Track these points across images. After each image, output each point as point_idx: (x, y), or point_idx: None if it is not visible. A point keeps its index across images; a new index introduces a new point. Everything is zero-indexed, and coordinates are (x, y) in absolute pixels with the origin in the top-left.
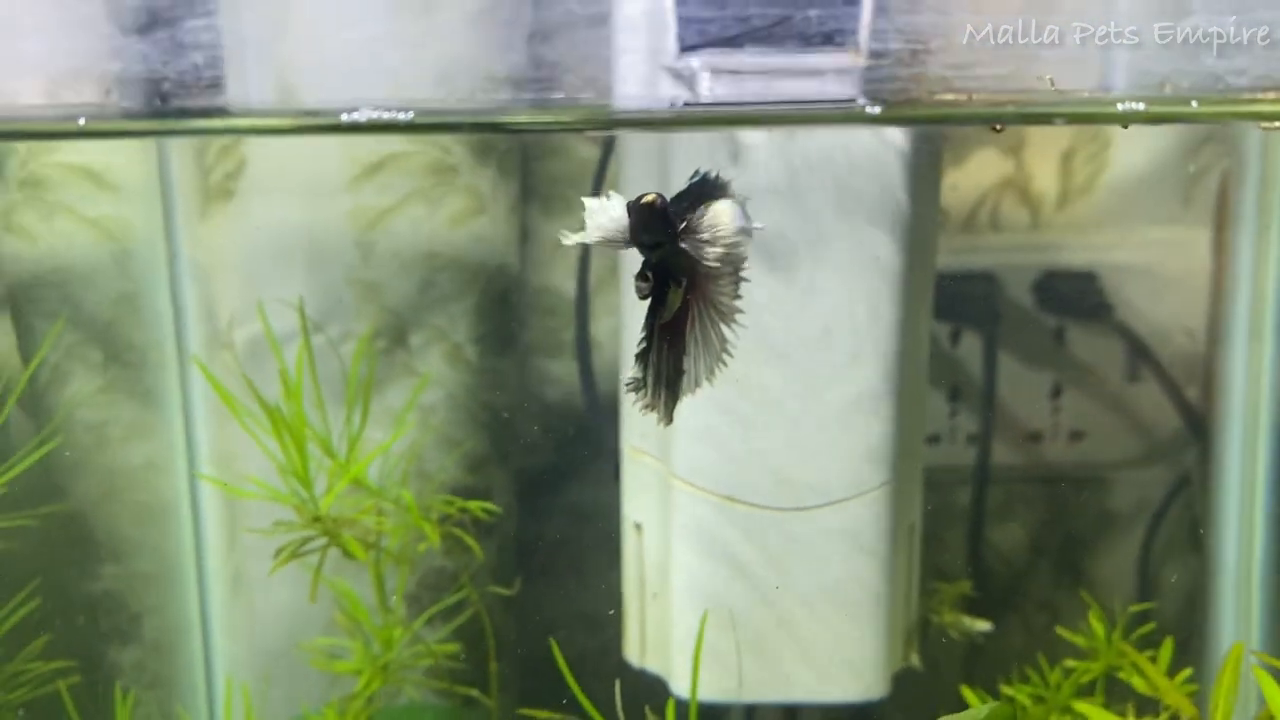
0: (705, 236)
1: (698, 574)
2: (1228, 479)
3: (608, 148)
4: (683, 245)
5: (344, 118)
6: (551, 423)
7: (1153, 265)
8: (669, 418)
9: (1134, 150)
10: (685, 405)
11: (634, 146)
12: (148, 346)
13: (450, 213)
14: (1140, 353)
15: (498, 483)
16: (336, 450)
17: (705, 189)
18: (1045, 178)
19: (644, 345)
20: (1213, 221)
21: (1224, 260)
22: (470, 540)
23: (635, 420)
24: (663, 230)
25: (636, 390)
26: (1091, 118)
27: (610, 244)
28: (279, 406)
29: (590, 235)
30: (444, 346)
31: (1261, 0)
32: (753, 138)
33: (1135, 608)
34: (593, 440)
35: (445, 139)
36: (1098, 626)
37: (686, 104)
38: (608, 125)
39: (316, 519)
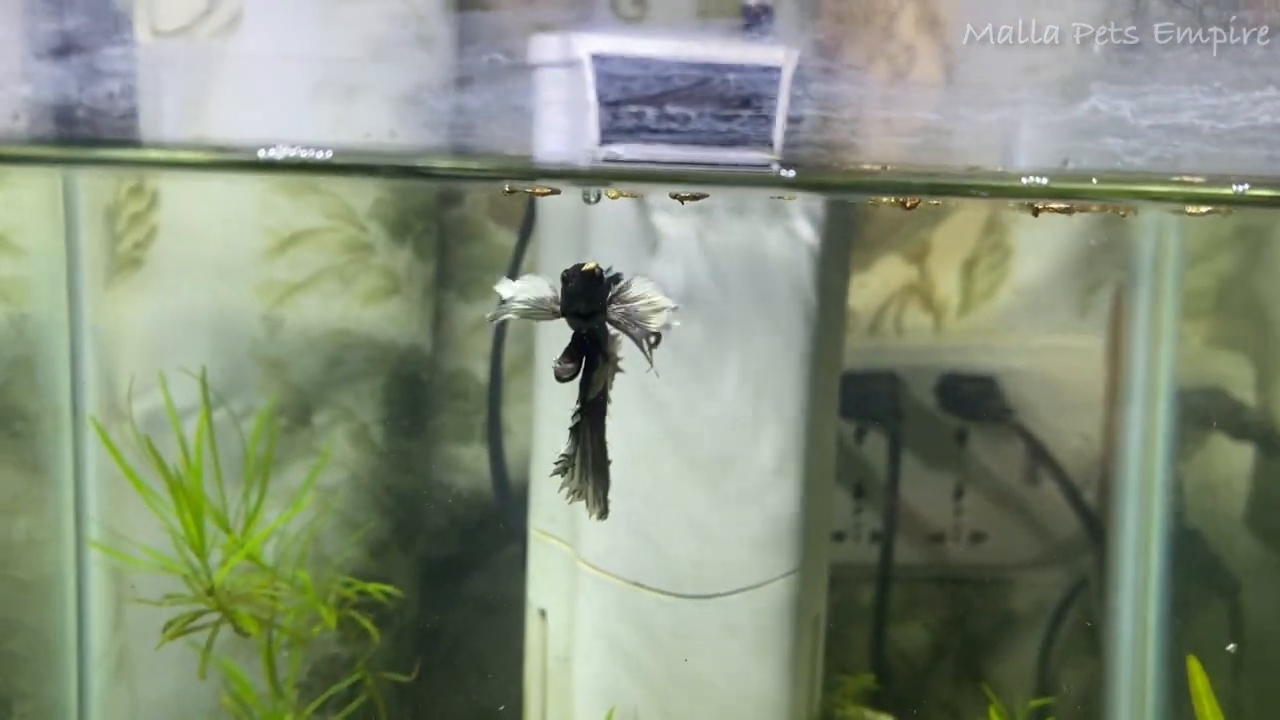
0: (634, 308)
1: (602, 662)
2: (1123, 581)
3: (526, 231)
4: (613, 317)
5: (260, 154)
6: (458, 508)
7: (1050, 371)
8: (602, 505)
9: (1033, 260)
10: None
11: (552, 231)
12: (41, 414)
13: (363, 291)
14: (1038, 455)
15: (400, 568)
16: (233, 526)
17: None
18: (948, 284)
19: (575, 424)
20: (1107, 330)
21: (1118, 367)
22: (368, 624)
23: (544, 502)
24: (599, 299)
25: (564, 473)
26: (1001, 190)
27: (538, 316)
28: (179, 476)
29: (517, 309)
30: (349, 426)
31: (1154, 87)
32: (670, 228)
33: (1035, 703)
34: (500, 526)
35: (361, 217)
36: None
37: (606, 159)
38: (527, 175)
39: (210, 592)
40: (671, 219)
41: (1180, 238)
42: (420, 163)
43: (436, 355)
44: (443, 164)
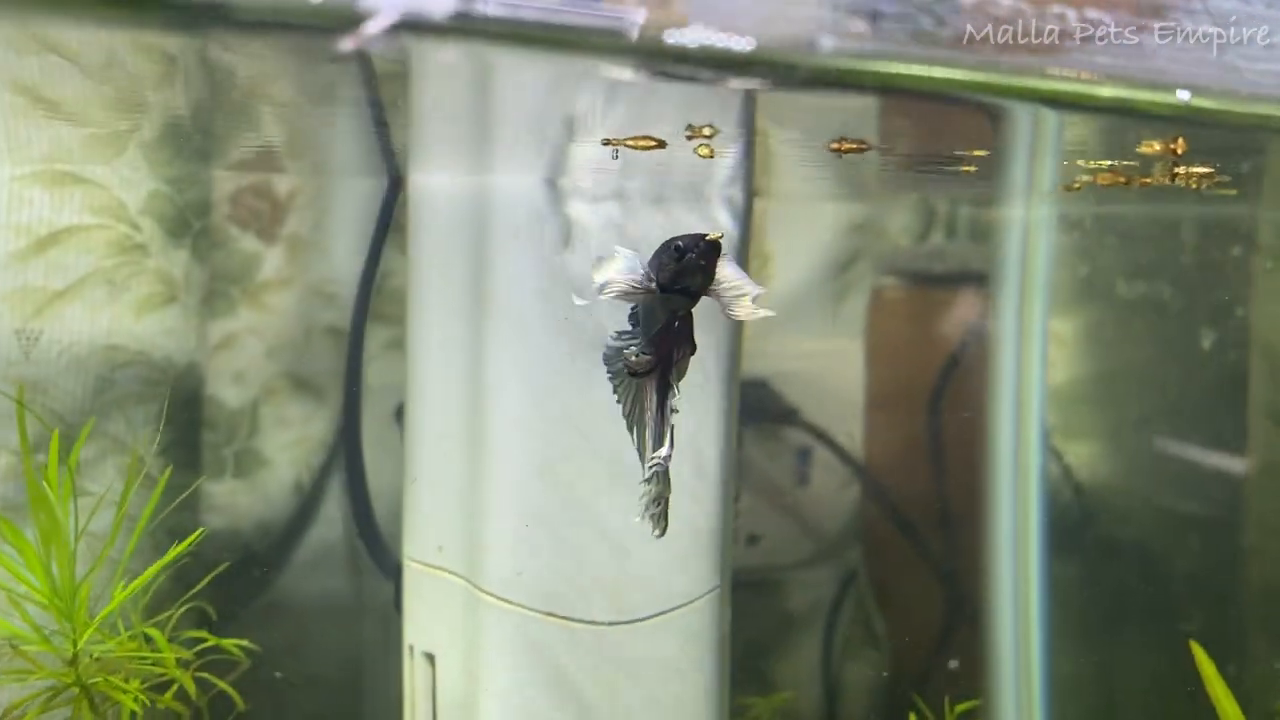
0: (725, 291)
1: (514, 701)
2: (1002, 574)
3: (384, 220)
4: (721, 297)
5: None
6: (267, 545)
7: (816, 374)
8: (664, 514)
9: (791, 268)
10: (500, 511)
11: (434, 220)
12: None
13: (136, 299)
14: (804, 457)
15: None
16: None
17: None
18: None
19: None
20: (862, 334)
21: (875, 369)
22: (225, 686)
23: (426, 531)
24: (710, 275)
25: (660, 482)
26: None
27: (636, 296)
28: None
29: (617, 289)
30: (121, 460)
31: None
32: (587, 217)
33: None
34: (364, 562)
35: (133, 213)
36: None
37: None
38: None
39: (71, 662)
40: (588, 207)
41: (1049, 235)
42: None
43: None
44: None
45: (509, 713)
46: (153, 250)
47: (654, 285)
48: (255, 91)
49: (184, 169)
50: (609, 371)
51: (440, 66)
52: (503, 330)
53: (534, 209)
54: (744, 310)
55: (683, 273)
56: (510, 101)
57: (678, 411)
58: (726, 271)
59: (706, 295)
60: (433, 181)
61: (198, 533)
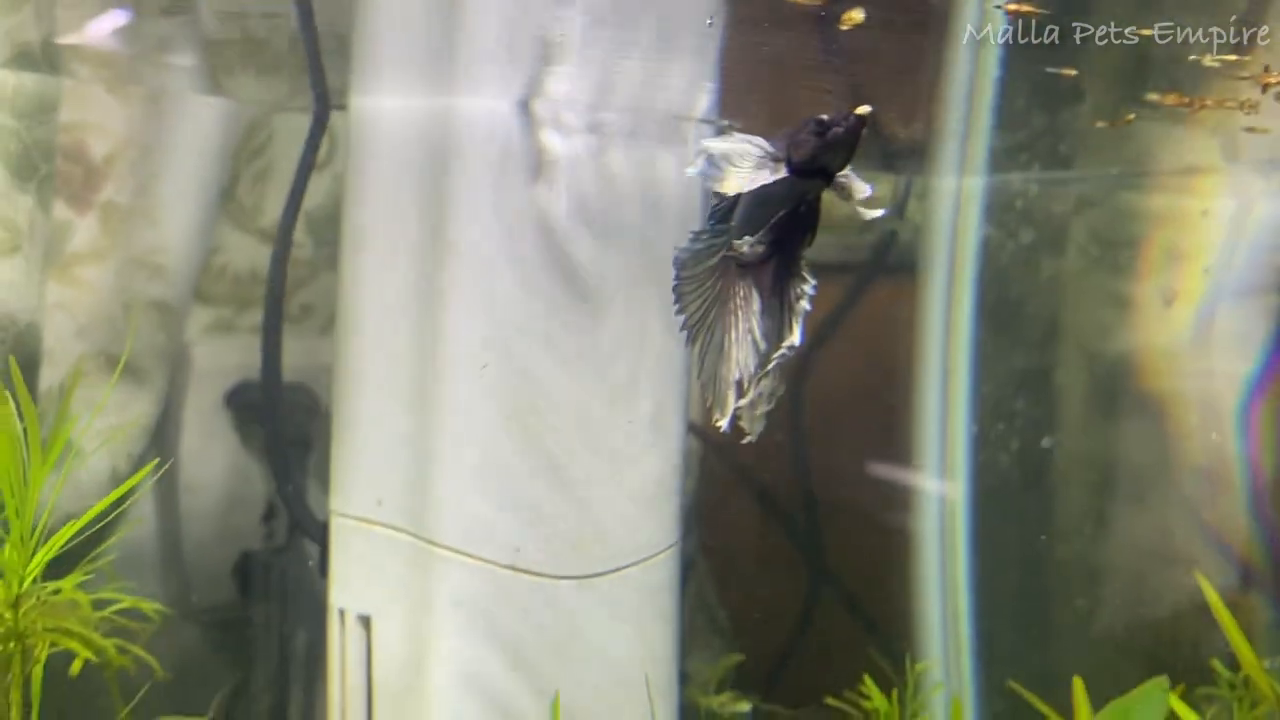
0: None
1: (463, 662)
2: (929, 575)
3: (310, 147)
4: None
5: None
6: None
7: None
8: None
9: None
10: (457, 463)
11: (379, 152)
12: None
13: None
14: None
15: None
16: None
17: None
18: None
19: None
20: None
21: None
22: (142, 653)
23: (364, 483)
24: (851, 155)
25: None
26: None
27: (757, 174)
28: None
29: (737, 163)
30: None
31: None
32: (560, 148)
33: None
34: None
35: None
36: None
37: None
38: None
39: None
40: (561, 138)
41: (978, 233)
42: None
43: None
44: None
45: (457, 674)
46: None
47: (777, 164)
48: None
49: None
50: (681, 276)
51: None
52: (463, 273)
53: (504, 138)
54: (864, 205)
55: (826, 149)
56: (481, 12)
57: (810, 296)
58: (858, 183)
59: (830, 188)
60: (382, 106)
61: None
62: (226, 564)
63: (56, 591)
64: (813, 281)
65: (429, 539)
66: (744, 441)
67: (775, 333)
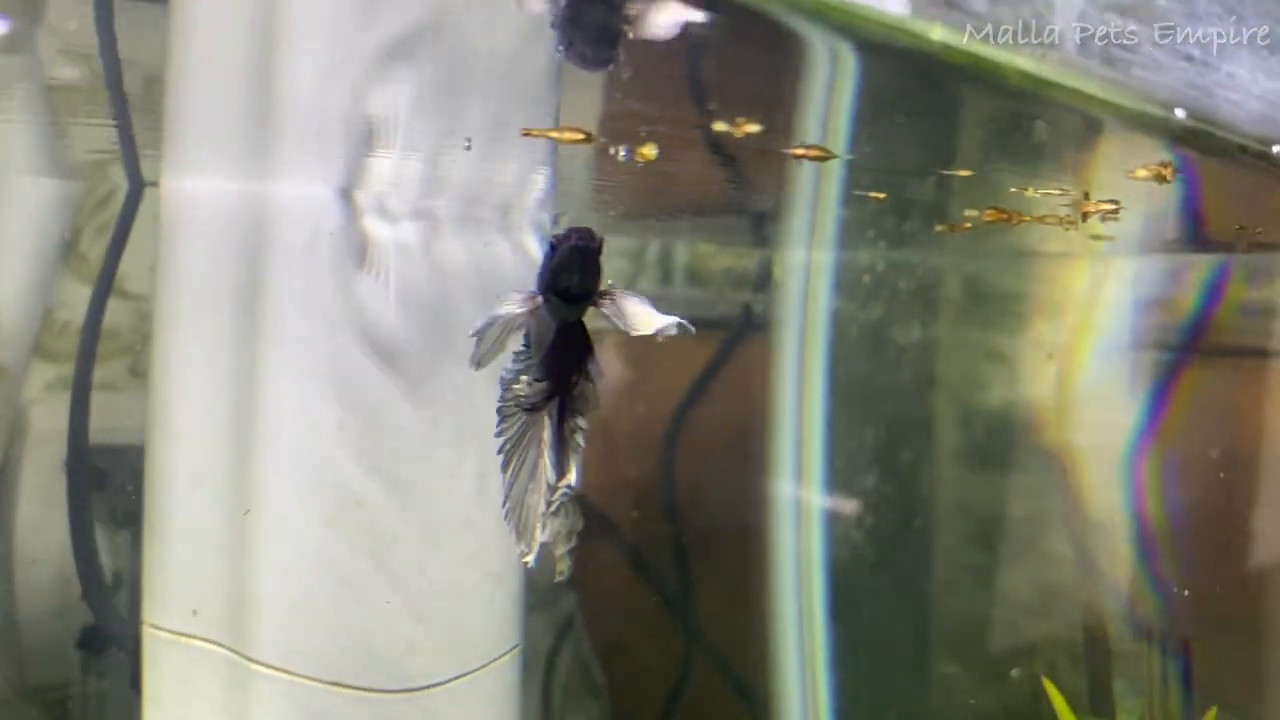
0: (625, 307)
1: None
2: (787, 608)
3: (120, 233)
4: (604, 309)
5: None
6: None
7: None
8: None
9: None
10: (277, 569)
11: (189, 236)
12: None
13: None
14: None
15: None
16: None
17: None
18: None
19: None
20: None
21: None
22: None
23: (176, 590)
24: (593, 279)
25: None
26: None
27: (519, 322)
28: None
29: (497, 331)
30: None
31: None
32: (386, 235)
33: None
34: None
35: None
36: None
37: None
38: None
39: None
40: (387, 226)
41: (831, 276)
42: None
43: None
44: None
45: None
46: None
47: (532, 302)
48: None
49: None
50: (504, 398)
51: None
52: (282, 362)
53: (323, 224)
54: (638, 324)
55: (559, 271)
56: (296, 98)
57: (584, 435)
58: (631, 302)
59: (605, 306)
60: (196, 187)
61: None
62: (69, 640)
63: None
64: (586, 417)
65: (245, 654)
66: (555, 580)
67: (557, 469)
